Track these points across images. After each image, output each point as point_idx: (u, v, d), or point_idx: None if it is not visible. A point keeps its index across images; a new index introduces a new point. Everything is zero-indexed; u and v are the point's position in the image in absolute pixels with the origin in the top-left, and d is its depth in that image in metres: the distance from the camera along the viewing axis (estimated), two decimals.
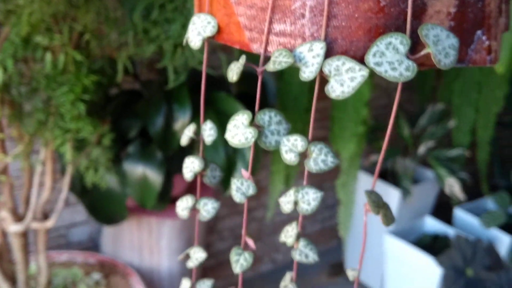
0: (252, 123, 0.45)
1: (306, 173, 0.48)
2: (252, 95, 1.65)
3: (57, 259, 1.70)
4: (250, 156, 1.47)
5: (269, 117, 0.45)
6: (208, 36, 0.49)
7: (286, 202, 0.46)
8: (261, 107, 1.54)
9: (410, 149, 2.19)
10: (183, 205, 0.52)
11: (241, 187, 0.47)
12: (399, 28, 0.40)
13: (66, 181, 1.37)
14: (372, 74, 1.72)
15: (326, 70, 0.44)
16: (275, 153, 1.73)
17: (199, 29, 0.50)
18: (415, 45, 0.40)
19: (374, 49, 0.41)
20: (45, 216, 1.41)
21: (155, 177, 1.48)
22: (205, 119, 1.55)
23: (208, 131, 0.51)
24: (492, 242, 1.72)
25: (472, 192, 2.31)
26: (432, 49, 0.39)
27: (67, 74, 1.19)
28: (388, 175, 2.20)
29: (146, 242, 1.70)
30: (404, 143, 2.22)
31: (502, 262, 1.04)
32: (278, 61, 0.44)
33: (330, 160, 0.45)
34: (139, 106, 1.41)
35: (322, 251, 2.52)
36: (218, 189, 2.11)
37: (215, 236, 2.17)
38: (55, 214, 1.38)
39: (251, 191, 0.47)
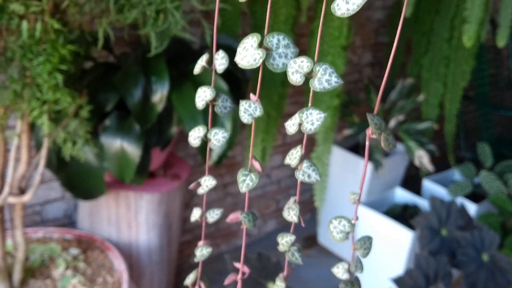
0: (261, 45, 0.46)
1: (311, 93, 0.48)
2: (229, 69, 1.66)
3: (33, 236, 1.68)
4: (229, 126, 1.48)
5: (278, 40, 0.46)
6: None
7: (291, 125, 0.47)
8: (238, 81, 1.55)
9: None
10: (195, 134, 0.53)
11: (248, 109, 0.49)
12: None
13: (43, 154, 1.35)
14: (345, 50, 1.74)
15: None
16: (250, 128, 1.75)
17: None
18: None
19: None
20: (22, 191, 1.39)
21: (133, 150, 1.48)
22: (183, 91, 1.55)
23: (220, 60, 0.52)
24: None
25: (440, 164, 2.40)
26: None
27: (44, 44, 1.17)
28: (360, 149, 2.25)
29: (124, 217, 1.70)
30: None
31: (473, 223, 1.10)
32: None
33: (334, 80, 0.47)
34: (117, 78, 1.40)
35: (296, 225, 2.57)
36: (198, 168, 2.12)
37: (191, 212, 2.19)
38: (32, 188, 1.36)
39: (258, 112, 0.48)
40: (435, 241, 1.03)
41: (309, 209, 2.64)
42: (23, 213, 1.42)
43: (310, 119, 0.46)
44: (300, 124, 0.45)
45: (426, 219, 1.07)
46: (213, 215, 0.60)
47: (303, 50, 2.20)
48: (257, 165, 0.51)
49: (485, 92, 2.64)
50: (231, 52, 1.70)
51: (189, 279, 0.56)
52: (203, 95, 0.52)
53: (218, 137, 0.52)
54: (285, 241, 0.48)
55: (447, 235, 1.05)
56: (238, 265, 0.65)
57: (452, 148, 2.32)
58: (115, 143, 1.49)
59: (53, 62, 1.17)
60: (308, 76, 0.44)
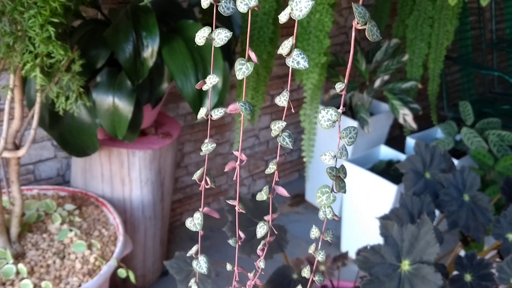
0: None
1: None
2: (217, 26, 1.68)
3: (28, 193, 1.71)
4: (220, 83, 1.52)
5: None
6: None
7: (284, 14, 0.49)
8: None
9: (367, 83, 2.29)
10: (201, 34, 0.56)
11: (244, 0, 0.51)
12: None
13: (36, 109, 1.37)
14: (332, 7, 1.76)
15: None
16: (240, 86, 1.78)
17: None
18: None
19: None
20: (16, 147, 1.42)
21: (125, 106, 1.50)
22: (174, 46, 1.57)
23: (219, 35, 0.54)
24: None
25: (423, 123, 2.47)
26: None
27: None
28: (347, 108, 2.30)
29: (118, 174, 1.73)
30: (361, 78, 2.32)
31: (455, 167, 1.15)
32: None
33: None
34: (108, 34, 1.41)
35: (284, 184, 2.64)
36: (188, 129, 2.15)
37: (182, 171, 2.23)
38: (27, 143, 1.39)
39: (253, 2, 0.50)
40: (419, 183, 1.09)
41: (296, 169, 2.71)
42: (18, 169, 1.45)
43: (299, 7, 0.48)
44: (290, 11, 0.48)
45: (411, 162, 1.12)
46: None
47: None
48: (252, 55, 0.54)
49: (467, 53, 2.69)
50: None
51: (196, 175, 0.60)
52: None
53: (221, 36, 0.55)
54: (277, 126, 0.52)
55: (430, 178, 1.11)
56: (233, 202, 0.69)
57: (435, 107, 2.38)
58: (107, 99, 1.51)
59: (45, 15, 1.18)
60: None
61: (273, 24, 1.71)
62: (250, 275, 0.66)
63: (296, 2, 0.48)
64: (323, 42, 1.73)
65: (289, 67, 0.53)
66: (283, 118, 0.52)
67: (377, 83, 2.25)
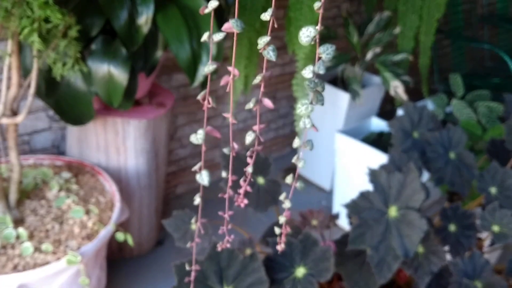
0: None
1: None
2: None
3: (24, 163, 1.74)
4: (214, 49, 1.54)
5: None
6: None
7: None
8: (220, 9, 1.59)
9: (359, 56, 2.32)
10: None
11: None
12: None
13: (33, 76, 1.39)
14: None
15: None
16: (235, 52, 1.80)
17: None
18: None
19: None
20: (14, 113, 1.44)
21: (120, 74, 1.52)
22: (168, 13, 1.59)
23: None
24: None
25: (414, 96, 2.50)
26: None
27: None
28: (339, 81, 2.33)
29: (113, 143, 1.76)
30: (353, 51, 2.34)
31: (440, 126, 1.19)
32: None
33: None
34: (103, 1, 1.42)
35: (276, 157, 2.67)
36: (181, 101, 2.17)
37: (175, 144, 2.26)
38: (25, 109, 1.41)
39: None
40: (407, 142, 1.13)
41: (288, 143, 2.74)
42: (16, 135, 1.47)
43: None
44: None
45: (399, 122, 1.16)
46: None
47: None
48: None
49: (458, 26, 2.72)
50: None
51: (199, 95, 0.63)
52: None
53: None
54: (262, 41, 0.55)
55: (418, 137, 1.15)
56: (228, 115, 0.72)
57: (426, 80, 2.42)
58: (102, 67, 1.53)
59: None
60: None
61: None
62: (239, 191, 0.70)
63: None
64: (314, 11, 1.75)
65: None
66: (268, 34, 0.55)
67: (369, 55, 2.27)
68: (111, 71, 1.53)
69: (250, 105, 0.58)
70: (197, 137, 0.62)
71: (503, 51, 2.58)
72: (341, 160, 2.14)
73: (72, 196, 1.61)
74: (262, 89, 0.56)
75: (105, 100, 1.57)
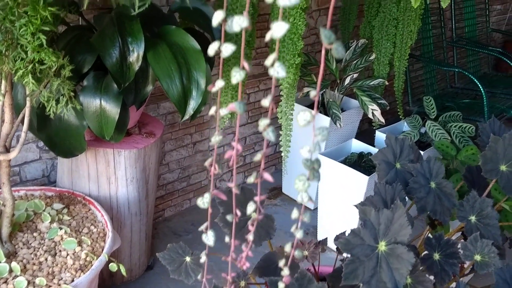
0: None
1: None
2: (196, 30, 1.76)
3: (15, 194, 1.76)
4: (203, 84, 1.61)
5: None
6: None
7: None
8: (207, 42, 1.66)
9: (337, 81, 2.41)
10: (212, 47, 0.63)
11: (238, 20, 0.60)
12: None
13: (26, 113, 1.42)
14: (304, 11, 1.86)
15: None
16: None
17: None
18: None
19: None
20: (7, 149, 1.47)
21: (112, 108, 1.57)
22: (158, 50, 1.65)
23: (226, 48, 0.62)
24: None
25: (391, 118, 2.62)
26: None
27: (24, 6, 1.23)
28: (319, 105, 2.42)
29: (104, 173, 1.79)
30: (332, 77, 2.44)
31: (421, 157, 1.28)
32: None
33: None
34: (95, 40, 1.47)
35: (263, 178, 2.74)
36: (169, 128, 2.22)
37: (163, 169, 2.30)
38: (18, 145, 1.45)
39: (244, 23, 0.59)
40: (391, 173, 1.21)
41: (273, 163, 2.81)
42: (8, 171, 1.50)
43: (277, 29, 0.58)
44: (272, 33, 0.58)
45: (383, 154, 1.24)
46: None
47: (267, 13, 2.31)
48: (246, 65, 0.63)
49: (429, 50, 2.86)
50: (200, 13, 1.81)
51: (207, 162, 0.69)
52: (216, 16, 0.63)
53: (228, 49, 0.64)
54: (262, 123, 0.61)
55: (401, 168, 1.23)
56: (230, 184, 0.78)
57: (401, 102, 2.53)
58: (94, 102, 1.58)
59: (36, 24, 1.25)
60: None
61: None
62: (241, 256, 0.76)
63: (276, 24, 0.58)
64: (297, 44, 1.84)
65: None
66: (269, 116, 0.62)
67: (347, 81, 2.37)
68: (103, 106, 1.57)
69: (251, 179, 0.64)
70: (204, 201, 0.68)
71: (471, 72, 2.71)
72: (324, 181, 2.22)
73: (64, 227, 1.64)
74: (262, 164, 0.63)
75: (97, 133, 1.61)
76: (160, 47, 1.55)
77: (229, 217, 0.70)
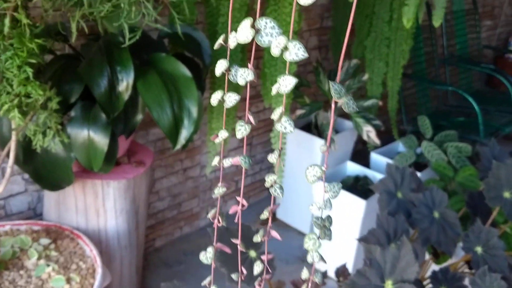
0: (253, 26, 0.55)
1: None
2: (187, 56, 1.72)
3: (0, 230, 1.68)
4: (195, 113, 1.56)
5: (265, 23, 0.56)
6: None
7: (275, 46, 0.55)
8: (198, 68, 1.61)
9: (330, 102, 2.38)
10: (215, 96, 0.62)
11: (243, 74, 0.57)
12: None
13: (12, 147, 1.37)
14: (296, 34, 1.84)
15: None
16: (214, 111, 1.83)
17: None
18: None
19: None
20: None
21: (101, 139, 1.52)
22: (148, 79, 1.60)
23: (232, 38, 0.59)
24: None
25: (385, 138, 2.58)
26: None
27: (10, 38, 1.18)
28: (313, 127, 2.38)
29: (92, 205, 1.73)
30: (325, 98, 2.41)
31: (423, 185, 1.24)
32: None
33: (301, 53, 0.56)
34: (82, 69, 1.43)
35: (254, 203, 2.68)
36: (158, 155, 2.16)
37: (153, 197, 2.24)
38: (3, 180, 1.38)
39: (250, 77, 0.57)
40: (392, 203, 1.17)
41: (266, 188, 2.76)
42: None
43: (285, 83, 0.56)
44: (285, 48, 0.55)
45: (384, 184, 1.19)
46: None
47: None
48: (251, 118, 0.60)
49: (422, 69, 2.84)
50: (190, 39, 1.76)
51: (210, 213, 0.65)
52: (219, 66, 0.61)
53: (231, 99, 0.61)
54: (270, 179, 0.58)
55: (402, 197, 1.19)
56: (236, 241, 0.74)
57: (396, 122, 2.50)
58: (82, 133, 1.52)
59: (22, 56, 1.20)
60: (284, 50, 0.54)
61: (241, 52, 1.77)
62: None
63: (283, 78, 0.55)
64: (290, 67, 1.80)
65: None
66: (276, 172, 0.58)
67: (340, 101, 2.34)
68: (91, 137, 1.52)
69: (257, 238, 0.60)
70: (207, 256, 0.63)
71: (463, 90, 2.70)
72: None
73: (52, 263, 1.57)
74: (269, 223, 0.58)
75: (85, 165, 1.55)
76: (150, 76, 1.50)
77: (234, 276, 0.65)
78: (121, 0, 1.01)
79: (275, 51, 0.54)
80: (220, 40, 0.60)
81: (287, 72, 0.61)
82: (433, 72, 3.06)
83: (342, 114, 2.49)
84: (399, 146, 2.51)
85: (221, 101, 0.61)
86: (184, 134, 1.50)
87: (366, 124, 2.24)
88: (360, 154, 2.73)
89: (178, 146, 1.51)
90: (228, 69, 0.59)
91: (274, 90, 0.56)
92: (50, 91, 1.33)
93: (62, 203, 1.76)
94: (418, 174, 2.15)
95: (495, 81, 3.69)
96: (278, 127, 0.56)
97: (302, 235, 2.50)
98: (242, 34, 0.55)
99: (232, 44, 0.59)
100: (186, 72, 1.51)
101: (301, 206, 2.43)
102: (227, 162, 0.61)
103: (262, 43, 0.55)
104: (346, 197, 2.03)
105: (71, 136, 1.52)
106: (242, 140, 2.53)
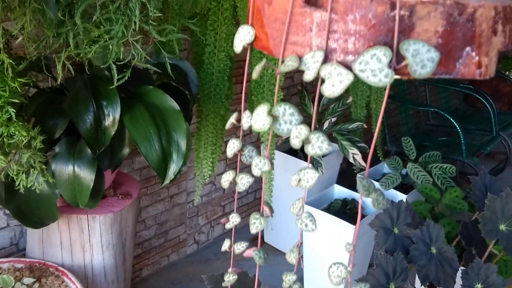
0: (270, 113, 0.53)
1: (309, 158, 0.57)
2: (173, 86, 1.69)
3: None
4: (184, 146, 1.52)
5: (284, 109, 0.53)
6: (247, 43, 0.57)
7: (293, 180, 0.54)
8: (185, 98, 1.59)
9: (316, 126, 2.38)
10: (226, 177, 0.60)
11: (258, 164, 0.55)
12: (388, 43, 0.50)
13: None
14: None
15: (322, 73, 0.52)
16: (202, 140, 1.80)
17: (241, 37, 0.57)
18: (401, 57, 0.49)
19: (360, 58, 0.50)
20: None
21: (86, 175, 1.47)
22: (135, 113, 1.56)
23: (246, 119, 0.58)
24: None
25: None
26: (410, 60, 0.49)
27: None
28: (299, 152, 2.37)
29: (78, 240, 1.68)
30: (309, 120, 2.40)
31: (417, 218, 1.23)
32: (288, 64, 0.52)
33: (325, 146, 0.55)
34: (67, 104, 1.38)
35: (242, 226, 2.64)
36: (144, 183, 2.12)
37: (140, 226, 2.19)
38: None
39: (266, 167, 0.55)
40: (389, 240, 1.16)
41: (253, 211, 2.73)
42: None
43: (306, 177, 0.54)
44: (299, 180, 0.54)
45: (380, 220, 1.19)
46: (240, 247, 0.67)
47: (242, 60, 2.27)
48: (267, 210, 0.58)
49: (403, 89, 2.87)
50: (176, 70, 1.73)
51: (224, 246, 0.62)
52: (232, 146, 0.58)
53: (244, 181, 0.59)
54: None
55: (399, 233, 1.18)
56: None
57: (381, 145, 2.51)
58: (67, 169, 1.48)
59: (4, 96, 1.15)
60: (305, 142, 0.52)
61: (228, 81, 1.75)
62: None
63: (304, 172, 0.53)
64: (276, 94, 1.79)
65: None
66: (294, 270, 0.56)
67: (326, 125, 2.34)
68: (77, 173, 1.48)
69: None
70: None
71: (444, 108, 2.73)
72: (307, 232, 2.15)
73: None
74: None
75: (70, 202, 1.50)
76: (138, 110, 1.47)
77: None
78: (109, 42, 0.98)
79: (295, 142, 0.51)
80: (232, 119, 0.57)
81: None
82: (414, 92, 3.10)
83: (328, 136, 2.49)
84: (384, 167, 2.52)
85: (233, 182, 0.59)
86: (173, 169, 1.47)
87: (352, 147, 2.24)
88: (345, 174, 2.73)
89: (167, 181, 1.47)
90: (241, 150, 0.57)
91: (294, 182, 0.54)
92: (34, 129, 1.29)
93: (46, 239, 1.70)
94: (405, 196, 2.15)
95: (472, 98, 3.76)
96: (299, 224, 0.55)
97: None
98: (258, 121, 0.53)
99: (245, 125, 0.56)
100: (174, 105, 1.48)
101: (290, 230, 2.41)
102: (240, 248, 0.60)
103: (280, 131, 0.52)
104: (334, 222, 2.02)
105: (56, 172, 1.47)
106: (229, 164, 2.50)
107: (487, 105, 2.76)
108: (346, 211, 2.14)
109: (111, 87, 1.44)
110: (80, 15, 0.97)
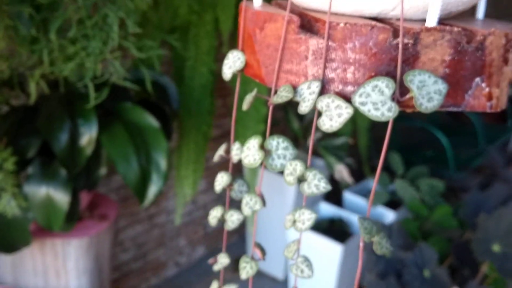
0: (262, 146, 0.48)
1: (304, 198, 0.52)
2: (152, 102, 1.63)
3: None
4: (164, 166, 1.45)
5: (277, 143, 0.49)
6: (237, 69, 0.54)
7: (287, 220, 0.50)
8: (166, 115, 1.52)
9: (300, 141, 2.33)
10: (214, 214, 0.55)
11: (249, 202, 0.51)
12: (390, 73, 0.45)
13: None
14: None
15: (318, 106, 0.47)
16: (183, 157, 1.73)
17: (230, 64, 0.53)
18: (405, 89, 0.44)
19: (361, 90, 0.45)
20: None
21: (61, 197, 1.40)
22: (113, 131, 1.49)
23: (235, 151, 0.53)
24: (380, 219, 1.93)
25: (356, 175, 2.54)
26: (415, 93, 0.43)
27: None
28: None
29: (52, 266, 1.59)
30: (295, 136, 2.35)
31: (409, 239, 1.18)
32: (281, 95, 0.47)
33: (323, 185, 0.50)
34: (41, 123, 1.31)
35: (226, 245, 2.57)
36: (122, 203, 2.04)
37: (117, 248, 2.10)
38: None
39: (257, 206, 0.51)
40: (380, 263, 1.11)
41: (235, 230, 2.66)
42: None
43: (302, 218, 0.50)
44: (294, 221, 0.49)
45: (370, 243, 1.13)
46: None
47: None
48: (258, 252, 0.52)
49: None
50: (156, 86, 1.66)
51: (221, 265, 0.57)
52: (220, 180, 0.53)
53: (233, 219, 0.54)
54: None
55: (391, 256, 1.13)
56: None
57: (367, 159, 2.47)
58: (40, 192, 1.40)
59: None
60: (301, 179, 0.47)
61: (210, 96, 1.70)
62: None
63: (299, 213, 0.50)
64: (260, 110, 1.74)
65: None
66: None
67: (311, 140, 2.29)
68: (51, 195, 1.40)
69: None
70: None
71: (430, 122, 2.71)
72: None
73: None
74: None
75: (44, 225, 1.42)
76: (115, 128, 1.40)
77: None
78: (86, 59, 0.92)
79: (289, 180, 0.46)
80: (220, 151, 0.52)
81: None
82: None
83: (312, 151, 2.45)
84: (371, 183, 2.48)
85: (221, 220, 0.53)
86: (153, 190, 1.41)
87: (338, 163, 2.19)
88: (332, 190, 2.68)
89: (146, 203, 1.40)
90: (231, 184, 0.52)
91: (288, 223, 0.49)
92: (5, 150, 1.21)
93: (19, 265, 1.60)
94: (392, 214, 2.11)
95: (458, 111, 3.75)
96: (294, 270, 0.49)
97: (275, 281, 2.40)
98: (249, 156, 0.48)
99: (235, 158, 0.51)
100: (154, 122, 1.42)
101: (274, 250, 2.34)
102: (246, 273, 0.54)
103: (273, 167, 0.47)
104: (321, 241, 1.96)
105: (29, 195, 1.39)
106: (211, 182, 2.43)
107: (472, 118, 2.75)
108: (333, 229, 2.08)
109: (88, 106, 1.37)
110: (55, 31, 0.90)
